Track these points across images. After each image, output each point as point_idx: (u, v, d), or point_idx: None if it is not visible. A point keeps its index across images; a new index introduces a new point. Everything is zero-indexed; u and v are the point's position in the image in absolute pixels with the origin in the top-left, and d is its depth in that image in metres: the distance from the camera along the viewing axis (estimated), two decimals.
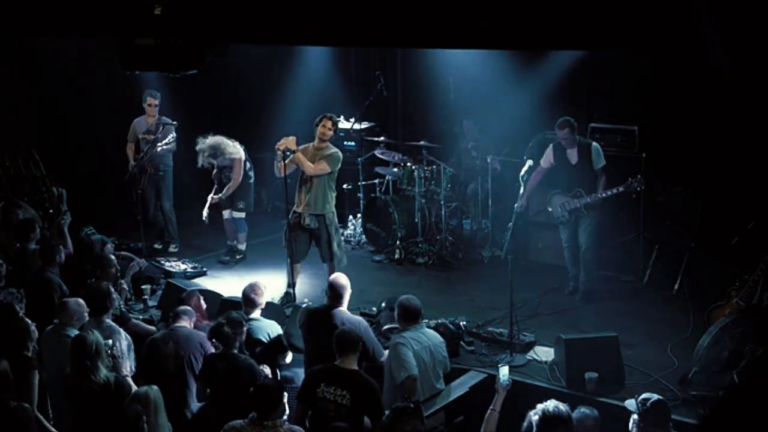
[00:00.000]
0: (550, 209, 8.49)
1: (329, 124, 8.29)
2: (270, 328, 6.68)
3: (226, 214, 9.69)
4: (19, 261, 8.27)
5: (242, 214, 9.65)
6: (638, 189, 7.90)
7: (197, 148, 9.29)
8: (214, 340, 6.17)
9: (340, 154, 8.40)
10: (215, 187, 9.61)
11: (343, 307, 6.69)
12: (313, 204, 8.30)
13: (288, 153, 8.14)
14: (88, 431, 5.83)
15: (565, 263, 8.60)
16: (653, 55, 7.72)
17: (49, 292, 7.34)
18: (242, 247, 9.77)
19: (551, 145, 8.35)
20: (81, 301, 6.70)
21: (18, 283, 7.93)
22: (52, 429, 5.80)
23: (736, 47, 4.37)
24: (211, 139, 9.27)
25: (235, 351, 6.06)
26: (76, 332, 6.33)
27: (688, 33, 4.62)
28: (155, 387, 5.54)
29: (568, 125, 8.08)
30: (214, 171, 9.62)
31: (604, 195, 8.05)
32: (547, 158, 8.35)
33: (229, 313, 6.28)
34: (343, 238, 8.80)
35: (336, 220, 8.51)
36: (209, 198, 9.57)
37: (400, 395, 6.00)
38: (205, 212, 9.54)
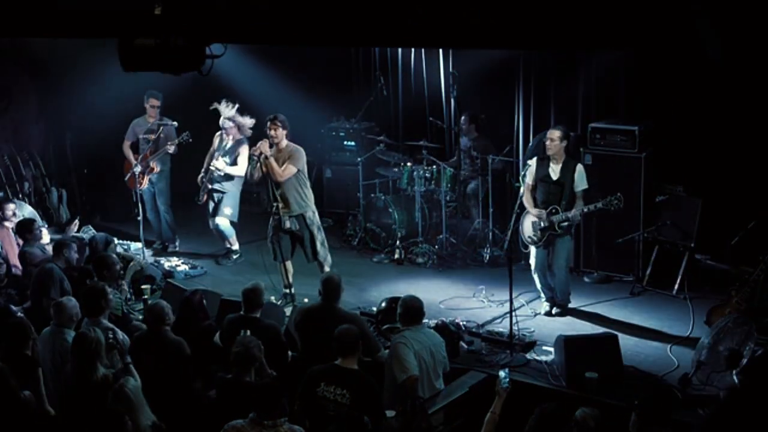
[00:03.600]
0: (520, 229, 8.16)
1: (271, 125, 8.26)
2: (270, 328, 6.67)
3: (210, 223, 9.68)
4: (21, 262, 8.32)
5: (226, 221, 9.58)
6: (618, 207, 7.65)
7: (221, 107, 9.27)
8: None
9: (302, 150, 8.36)
10: (203, 170, 9.57)
11: (339, 305, 6.69)
12: (289, 205, 8.30)
13: (262, 157, 8.13)
14: (87, 429, 5.84)
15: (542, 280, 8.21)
16: (651, 49, 7.69)
17: (48, 283, 7.36)
18: (236, 247, 9.76)
19: (535, 159, 8.12)
20: (72, 299, 6.70)
21: (18, 283, 7.97)
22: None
23: (731, 40, 4.38)
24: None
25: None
26: (72, 332, 6.35)
27: (685, 29, 4.63)
28: (129, 379, 5.57)
29: (560, 130, 7.90)
30: (200, 176, 9.60)
31: (582, 211, 7.75)
32: (531, 173, 8.09)
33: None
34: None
35: (317, 218, 8.50)
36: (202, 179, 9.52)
37: (401, 395, 6.01)
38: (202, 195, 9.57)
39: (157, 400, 5.99)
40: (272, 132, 8.26)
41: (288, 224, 8.31)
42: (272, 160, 8.18)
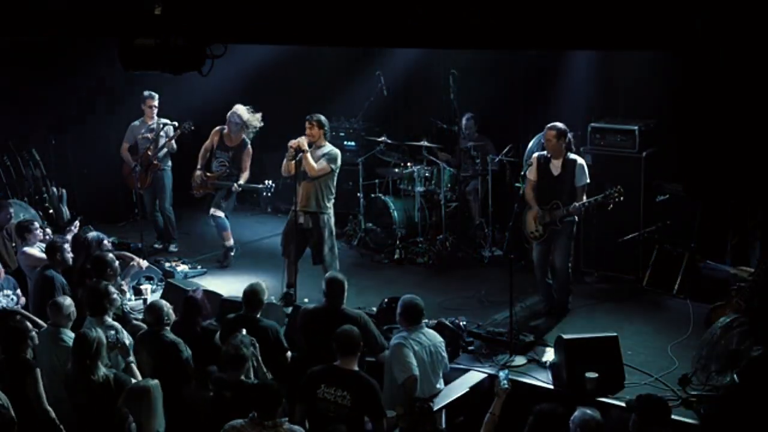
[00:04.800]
0: (523, 224, 8.17)
1: (307, 125, 8.32)
2: (270, 329, 6.67)
3: (209, 212, 9.65)
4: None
5: (221, 214, 9.57)
6: (618, 200, 7.66)
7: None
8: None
9: (338, 152, 8.41)
10: (200, 165, 9.55)
11: (343, 305, 6.68)
12: (306, 202, 8.32)
13: (299, 152, 8.18)
14: (87, 428, 5.84)
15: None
16: (652, 49, 7.69)
17: (51, 290, 7.34)
18: (230, 243, 9.73)
19: (536, 155, 8.12)
20: (68, 298, 6.70)
21: (12, 284, 7.94)
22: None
23: (733, 42, 4.38)
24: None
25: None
26: (69, 332, 6.35)
27: (687, 31, 4.64)
28: (154, 381, 5.54)
29: (555, 129, 7.85)
30: (202, 151, 9.57)
31: (583, 205, 7.75)
32: (533, 170, 8.09)
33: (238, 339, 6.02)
34: (337, 242, 8.75)
35: (332, 223, 8.49)
36: (200, 175, 9.51)
37: (401, 395, 6.01)
38: (197, 191, 9.58)
39: None
40: (308, 131, 8.30)
41: (301, 219, 8.32)
42: (309, 155, 8.19)
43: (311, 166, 8.22)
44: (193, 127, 9.70)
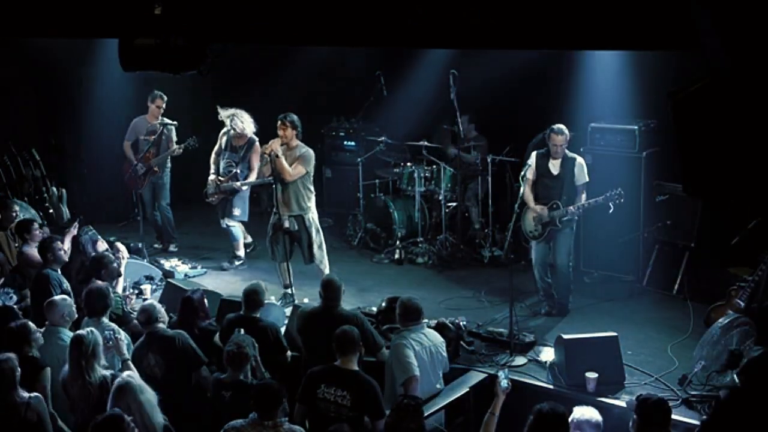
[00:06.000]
0: (522, 224, 8.14)
1: (279, 125, 8.31)
2: (270, 328, 6.67)
3: (222, 223, 9.58)
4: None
5: (234, 223, 9.51)
6: (618, 202, 7.66)
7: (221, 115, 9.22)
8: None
9: (312, 152, 8.44)
10: (213, 171, 9.45)
11: (340, 307, 6.68)
12: (289, 205, 8.35)
13: (273, 155, 8.17)
14: (86, 430, 5.84)
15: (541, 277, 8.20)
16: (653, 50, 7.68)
17: (47, 289, 7.33)
18: (240, 253, 9.70)
19: (534, 154, 8.11)
20: (67, 297, 6.69)
21: (18, 283, 7.95)
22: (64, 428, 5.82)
23: (736, 46, 4.37)
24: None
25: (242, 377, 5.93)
26: (67, 332, 6.34)
27: (688, 31, 4.63)
28: (135, 374, 5.55)
29: (563, 135, 7.85)
30: (213, 156, 9.51)
31: (581, 206, 7.78)
32: (531, 169, 8.05)
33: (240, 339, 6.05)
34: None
35: (317, 221, 8.54)
36: (214, 180, 9.37)
37: (401, 395, 6.01)
38: (212, 198, 9.45)
39: (166, 398, 6.00)
40: (281, 132, 8.30)
41: (287, 223, 8.34)
42: (283, 159, 8.21)
43: (287, 172, 8.24)
44: (197, 145, 9.66)
